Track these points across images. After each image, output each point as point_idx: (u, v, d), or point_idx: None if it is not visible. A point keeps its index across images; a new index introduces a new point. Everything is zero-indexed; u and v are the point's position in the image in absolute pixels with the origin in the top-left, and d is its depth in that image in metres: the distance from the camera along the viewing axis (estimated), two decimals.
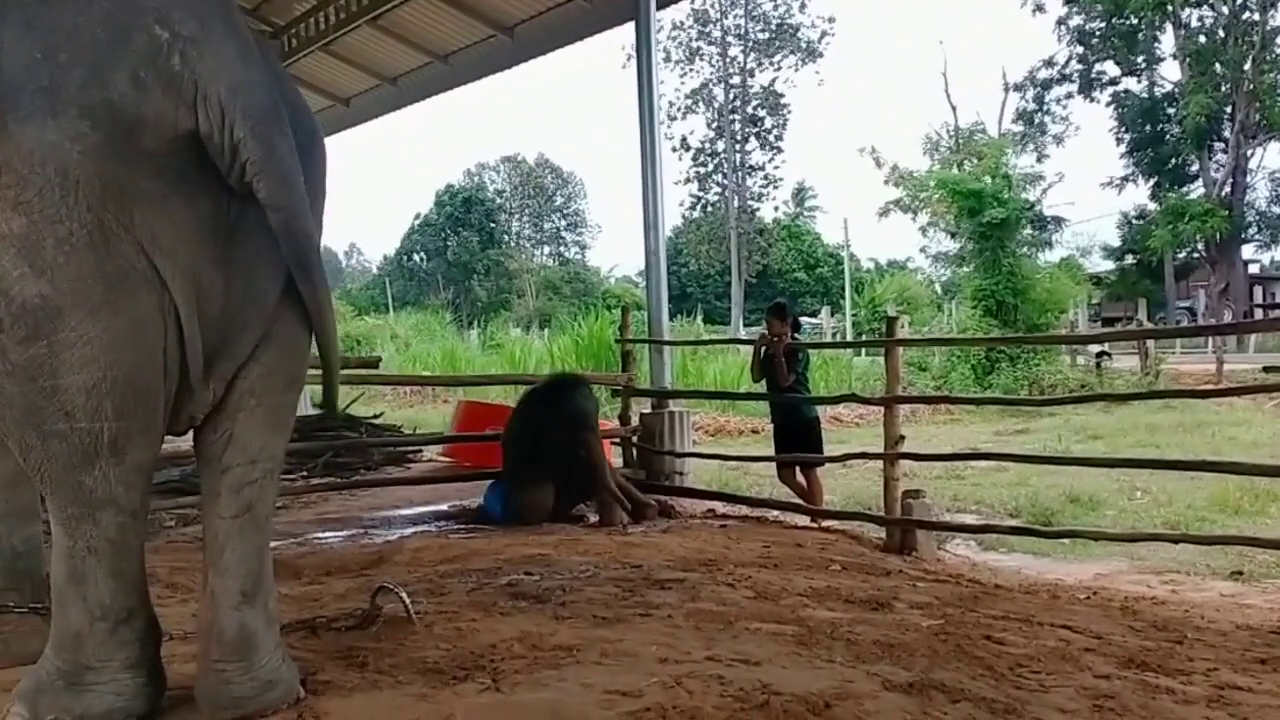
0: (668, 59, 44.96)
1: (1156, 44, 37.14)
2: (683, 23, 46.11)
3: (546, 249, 59.78)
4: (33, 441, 2.73)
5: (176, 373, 2.79)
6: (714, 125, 47.55)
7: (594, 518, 7.63)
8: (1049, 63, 39.48)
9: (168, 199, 2.68)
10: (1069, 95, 39.57)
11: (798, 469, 8.01)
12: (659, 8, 9.59)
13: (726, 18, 46.54)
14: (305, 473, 9.13)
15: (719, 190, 48.15)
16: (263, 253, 2.83)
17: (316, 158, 3.09)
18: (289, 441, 3.20)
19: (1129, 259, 38.39)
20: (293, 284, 2.89)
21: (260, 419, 2.98)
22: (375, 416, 11.62)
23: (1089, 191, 62.64)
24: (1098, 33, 37.54)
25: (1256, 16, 33.44)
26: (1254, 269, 39.99)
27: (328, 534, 7.21)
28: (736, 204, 46.60)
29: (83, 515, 2.74)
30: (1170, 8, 33.82)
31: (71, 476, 2.72)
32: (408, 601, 3.87)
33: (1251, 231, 37.20)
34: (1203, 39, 34.87)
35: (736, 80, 47.05)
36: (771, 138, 47.56)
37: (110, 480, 2.72)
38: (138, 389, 2.72)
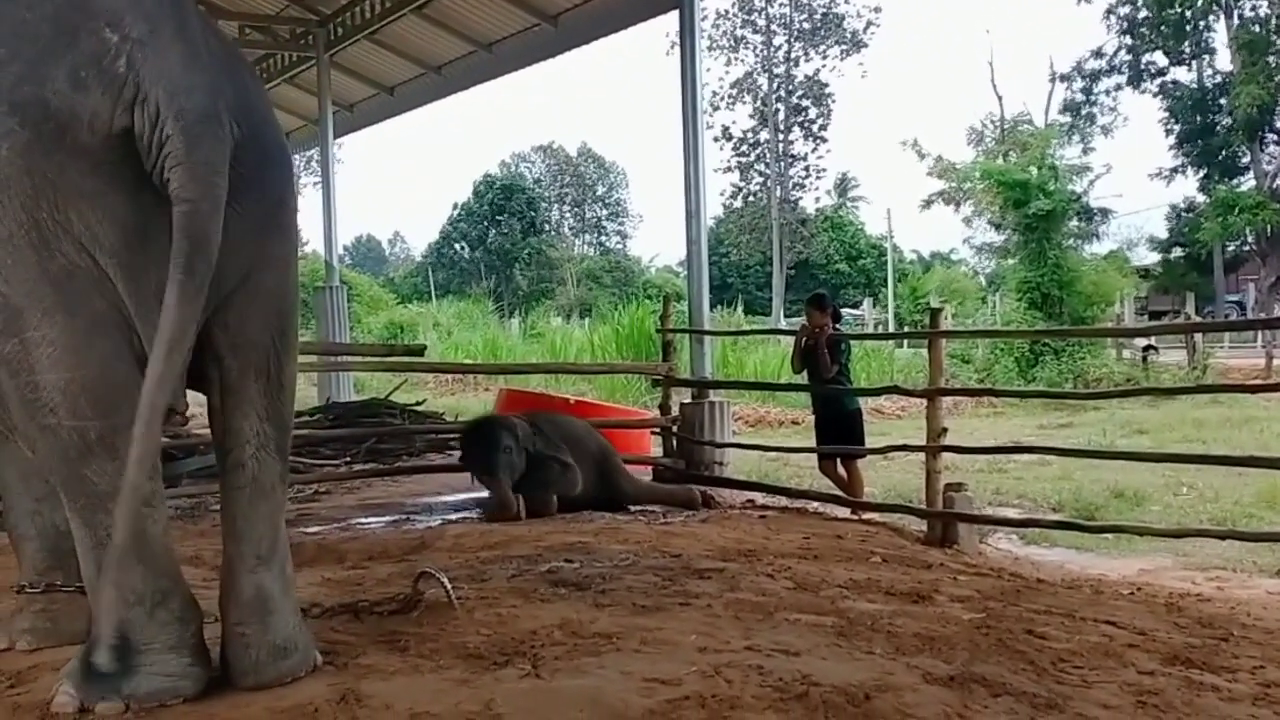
0: (711, 47, 44.76)
1: (1210, 33, 36.54)
2: (727, 11, 45.91)
3: (587, 238, 59.81)
4: (34, 434, 2.80)
5: None
6: (757, 114, 47.34)
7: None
8: (1097, 53, 38.97)
9: (105, 196, 2.66)
10: (1118, 86, 39.06)
11: (839, 460, 7.98)
12: None
13: (771, 6, 46.26)
14: (348, 458, 9.21)
15: (761, 180, 47.93)
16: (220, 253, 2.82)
17: (280, 171, 3.10)
18: (293, 420, 3.29)
19: (1177, 252, 37.83)
20: (252, 281, 2.93)
21: (245, 408, 3.04)
22: (418, 404, 11.69)
23: (1137, 183, 62.17)
24: (1146, 23, 37.00)
25: None
26: None
27: (370, 519, 7.26)
28: (779, 194, 46.37)
29: (94, 506, 2.78)
30: None
31: (73, 470, 2.76)
32: (449, 587, 3.90)
33: None
34: (1256, 29, 34.26)
35: (780, 70, 46.80)
36: (815, 128, 47.24)
37: (111, 474, 2.74)
38: (113, 387, 2.75)
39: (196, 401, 3.08)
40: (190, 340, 2.65)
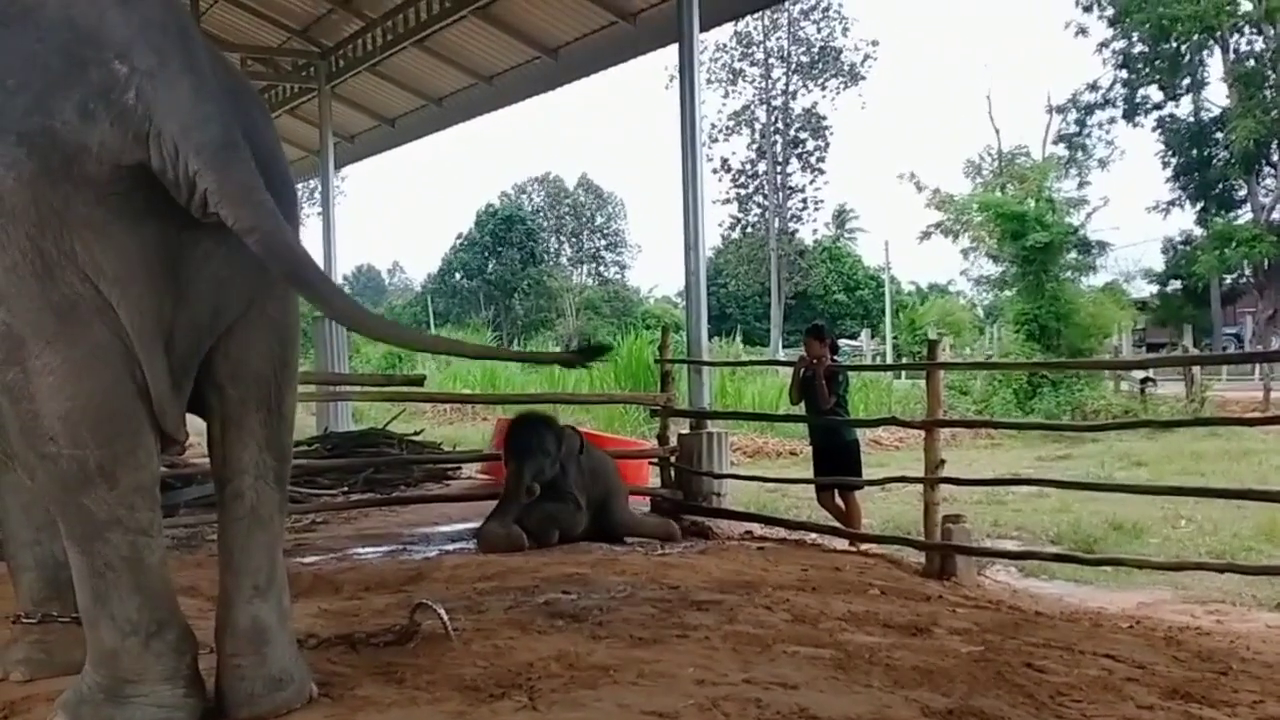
0: (710, 80, 45.00)
1: (1204, 67, 36.78)
2: (726, 44, 46.22)
3: (586, 268, 59.92)
4: (33, 462, 2.79)
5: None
6: (755, 146, 47.59)
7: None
8: (1093, 86, 39.18)
9: (109, 226, 2.67)
10: (1113, 120, 39.23)
11: (836, 492, 7.97)
12: (702, 30, 9.60)
13: (769, 40, 46.60)
14: (346, 488, 9.19)
15: (759, 211, 48.13)
16: (218, 279, 2.85)
17: (285, 203, 3.06)
18: (292, 450, 3.29)
19: (1174, 284, 37.94)
20: (255, 311, 2.95)
21: (245, 438, 3.04)
22: (415, 433, 11.68)
23: (1134, 216, 62.57)
24: (1142, 57, 37.24)
25: None
26: None
27: (367, 550, 7.25)
28: (777, 225, 46.54)
29: (92, 535, 2.77)
30: (1218, 32, 33.51)
31: (72, 498, 2.76)
32: (446, 618, 3.89)
33: None
34: (1251, 63, 34.49)
35: (779, 102, 47.08)
36: (813, 160, 47.49)
37: (109, 503, 2.76)
38: (114, 416, 2.75)
39: (195, 430, 3.08)
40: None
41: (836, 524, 7.84)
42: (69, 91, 2.63)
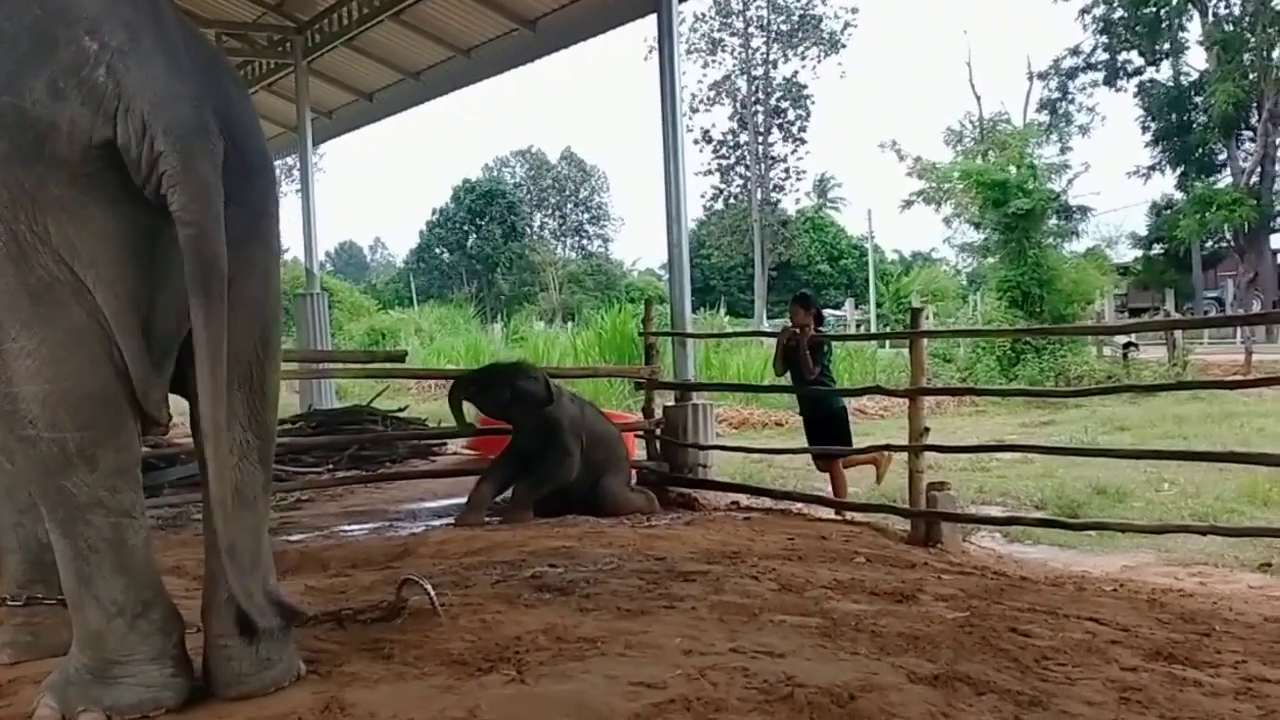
0: (690, 51, 44.84)
1: (1183, 32, 36.78)
2: (704, 14, 46.04)
3: (569, 242, 59.78)
4: (12, 445, 2.77)
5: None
6: (736, 117, 47.45)
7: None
8: (1074, 51, 39.17)
9: (85, 207, 2.64)
10: (1094, 84, 39.26)
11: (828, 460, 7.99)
12: (681, 0, 9.54)
13: (749, 9, 46.40)
14: (331, 466, 9.19)
15: (741, 182, 48.06)
16: None
17: (262, 180, 3.07)
18: (276, 429, 3.25)
19: (1156, 249, 38.06)
20: (234, 290, 2.85)
21: (228, 417, 2.99)
22: (400, 410, 11.66)
23: (1115, 181, 63.25)
24: (1122, 22, 37.20)
25: None
26: None
27: (353, 527, 7.25)
28: (759, 196, 46.48)
29: (74, 517, 2.76)
30: None
31: (52, 481, 2.74)
32: (433, 593, 3.89)
33: None
34: (1229, 27, 34.49)
35: (759, 72, 46.93)
36: (794, 129, 47.43)
37: (90, 485, 2.74)
38: (92, 399, 2.73)
39: (178, 410, 3.05)
40: (223, 350, 2.68)
41: (821, 493, 7.87)
42: (39, 69, 2.59)
